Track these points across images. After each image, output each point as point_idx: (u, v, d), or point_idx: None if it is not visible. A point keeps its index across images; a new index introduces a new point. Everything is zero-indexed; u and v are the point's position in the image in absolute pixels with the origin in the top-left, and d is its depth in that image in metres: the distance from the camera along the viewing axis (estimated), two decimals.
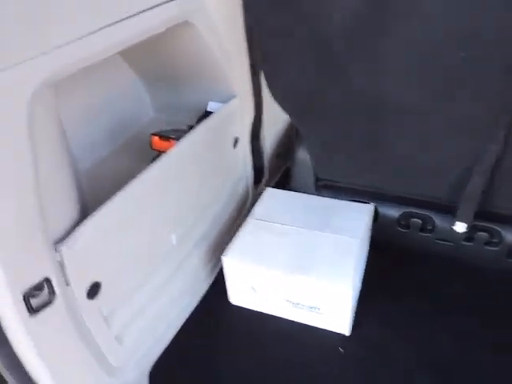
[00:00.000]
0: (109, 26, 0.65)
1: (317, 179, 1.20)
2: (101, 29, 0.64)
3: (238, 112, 1.14)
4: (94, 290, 0.76)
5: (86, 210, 0.77)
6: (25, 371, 0.66)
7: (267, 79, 0.98)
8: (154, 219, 0.89)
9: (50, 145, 0.65)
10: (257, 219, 1.11)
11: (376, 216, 1.16)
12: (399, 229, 1.17)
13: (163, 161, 0.88)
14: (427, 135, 0.93)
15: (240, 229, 1.08)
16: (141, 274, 0.88)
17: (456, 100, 0.84)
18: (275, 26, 0.82)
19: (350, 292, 0.93)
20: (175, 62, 1.04)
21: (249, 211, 1.29)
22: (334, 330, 1.00)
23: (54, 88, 0.63)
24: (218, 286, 1.12)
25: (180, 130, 1.05)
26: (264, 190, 1.22)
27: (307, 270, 0.96)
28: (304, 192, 1.20)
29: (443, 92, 0.84)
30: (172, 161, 0.90)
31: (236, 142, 1.16)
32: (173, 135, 0.98)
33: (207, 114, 1.14)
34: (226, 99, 1.14)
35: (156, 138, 0.99)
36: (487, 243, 1.09)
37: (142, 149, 1.09)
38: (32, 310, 0.64)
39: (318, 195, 1.20)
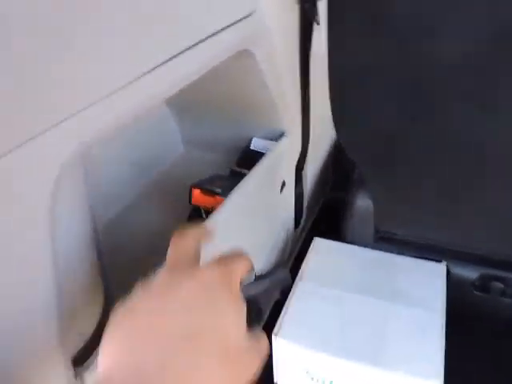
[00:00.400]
0: (157, 67, 0.46)
1: (376, 230, 1.01)
2: (147, 73, 0.45)
3: (288, 152, 0.95)
4: None
5: (109, 299, 0.58)
6: None
7: (338, 119, 0.80)
8: None
9: (73, 231, 0.46)
10: (309, 281, 0.92)
11: (447, 277, 0.98)
12: (475, 292, 0.99)
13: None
14: None
15: (290, 295, 0.90)
16: None
17: None
18: (364, 63, 0.64)
19: None
20: (218, 92, 0.86)
21: (288, 260, 1.12)
22: None
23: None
24: None
25: (222, 177, 0.86)
26: (313, 240, 1.03)
27: (382, 358, 0.78)
28: (358, 244, 1.02)
29: None
30: (220, 224, 0.72)
31: (283, 186, 0.98)
32: (217, 188, 0.78)
33: (249, 152, 0.96)
34: (270, 136, 0.96)
35: (197, 192, 0.79)
36: None
37: (171, 194, 0.90)
38: None
39: (376, 249, 1.02)
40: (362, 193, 0.96)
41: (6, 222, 0.35)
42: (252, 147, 0.95)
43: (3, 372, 0.39)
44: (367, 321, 0.84)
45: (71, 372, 0.48)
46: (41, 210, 0.37)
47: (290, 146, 0.96)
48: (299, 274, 0.95)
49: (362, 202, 0.96)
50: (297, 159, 1.04)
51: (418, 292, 0.89)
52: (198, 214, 0.80)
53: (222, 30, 0.56)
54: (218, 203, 0.77)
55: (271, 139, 0.96)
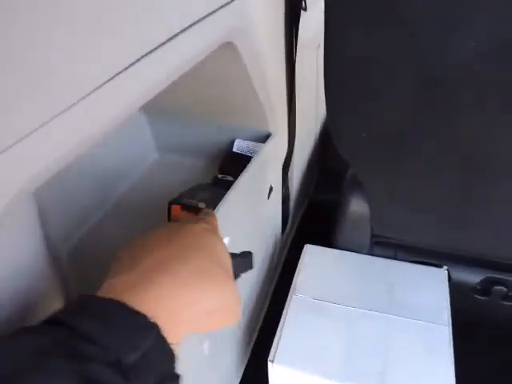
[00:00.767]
0: (132, 65, 0.36)
1: (372, 235, 0.94)
2: (120, 73, 0.35)
3: (274, 153, 0.86)
4: None
5: None
6: None
7: (334, 118, 0.71)
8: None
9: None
10: (303, 297, 0.84)
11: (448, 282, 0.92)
12: (476, 296, 0.93)
13: None
14: None
15: (284, 313, 0.82)
16: None
17: None
18: (366, 52, 0.55)
19: None
20: (196, 91, 0.76)
21: (276, 267, 1.04)
22: None
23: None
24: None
25: (204, 188, 0.76)
26: (305, 247, 0.95)
27: (390, 380, 0.71)
28: (352, 249, 0.95)
29: None
30: None
31: (271, 191, 0.89)
32: (199, 202, 0.68)
33: (233, 155, 0.86)
34: (252, 137, 0.87)
35: (177, 209, 0.68)
36: None
37: (146, 208, 0.80)
38: None
39: (371, 254, 0.95)
40: (356, 195, 0.88)
41: None
42: (235, 149, 0.86)
43: None
44: (368, 338, 0.77)
45: None
46: None
47: (276, 147, 0.87)
48: (292, 287, 0.87)
49: (357, 205, 0.88)
50: (283, 161, 0.95)
51: (420, 302, 0.83)
52: None
53: (203, 18, 0.46)
54: None
55: (254, 141, 0.87)
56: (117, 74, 0.35)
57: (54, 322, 0.27)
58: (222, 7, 0.51)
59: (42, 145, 0.30)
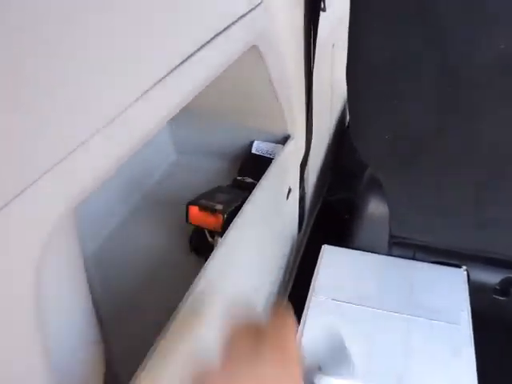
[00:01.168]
0: (168, 75, 0.37)
1: (391, 236, 0.94)
2: (157, 83, 0.35)
3: (294, 155, 0.86)
4: None
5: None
6: None
7: (355, 118, 0.71)
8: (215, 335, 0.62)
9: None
10: (323, 298, 0.85)
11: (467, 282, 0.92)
12: (495, 296, 0.93)
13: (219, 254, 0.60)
14: None
15: (305, 314, 0.82)
16: None
17: None
18: (393, 52, 0.55)
19: None
20: (217, 94, 0.76)
21: (293, 266, 1.04)
22: None
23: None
24: None
25: (223, 190, 0.76)
26: (323, 248, 0.95)
27: (411, 381, 0.71)
28: (370, 249, 0.95)
29: None
30: (232, 242, 0.63)
31: (289, 192, 0.89)
32: (217, 204, 0.69)
33: (252, 156, 0.87)
34: (271, 139, 0.87)
35: (195, 210, 0.69)
36: None
37: (166, 210, 0.81)
38: None
39: (389, 254, 0.95)
40: (375, 196, 0.88)
41: None
42: (254, 151, 0.86)
43: None
44: (389, 339, 0.77)
45: None
46: (26, 284, 0.27)
47: (295, 148, 0.87)
48: (311, 288, 0.87)
49: (376, 206, 0.88)
50: (300, 162, 0.95)
51: (439, 302, 0.82)
52: (201, 235, 0.70)
53: (232, 24, 0.47)
54: (220, 222, 0.68)
55: (273, 142, 0.87)
56: (154, 84, 0.35)
57: None
58: (248, 13, 0.51)
59: (91, 157, 0.30)
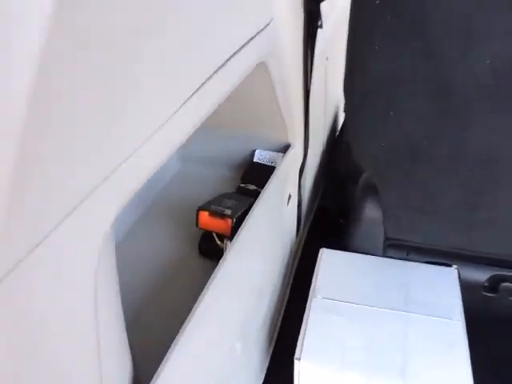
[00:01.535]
0: (193, 94, 0.41)
1: (385, 238, 0.99)
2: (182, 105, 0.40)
3: (293, 164, 0.91)
4: None
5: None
6: None
7: (353, 127, 0.76)
8: (226, 332, 0.65)
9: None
10: (323, 298, 0.89)
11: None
12: (484, 293, 0.99)
13: (230, 261, 0.64)
14: None
15: (306, 314, 0.86)
16: None
17: None
18: (388, 67, 0.61)
19: None
20: (222, 105, 0.80)
21: (291, 270, 1.08)
22: None
23: None
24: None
25: (230, 196, 0.80)
26: (321, 251, 1.00)
27: (412, 373, 0.75)
28: (366, 252, 1.00)
29: None
30: (240, 247, 0.67)
31: (289, 198, 0.94)
32: (226, 209, 0.73)
33: (254, 165, 0.91)
34: (272, 148, 0.91)
35: (205, 215, 0.73)
36: None
37: (173, 217, 0.84)
38: None
39: (384, 256, 1.00)
40: (370, 200, 0.93)
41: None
42: (256, 159, 0.91)
43: None
44: (388, 335, 0.81)
45: None
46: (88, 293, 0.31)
47: (295, 156, 0.92)
48: (311, 290, 0.91)
49: (371, 210, 0.93)
50: (299, 169, 1.00)
51: (433, 299, 0.87)
52: (210, 239, 0.74)
53: (246, 43, 0.51)
54: (229, 226, 0.72)
55: (273, 151, 0.92)
56: (184, 102, 0.40)
57: None
58: (258, 33, 0.55)
59: (135, 167, 0.34)
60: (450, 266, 0.96)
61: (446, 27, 0.55)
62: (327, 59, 1.12)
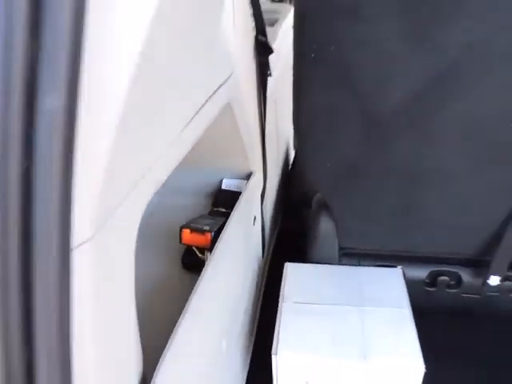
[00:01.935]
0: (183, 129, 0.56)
1: (339, 248, 1.15)
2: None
3: (256, 189, 1.06)
4: None
5: None
6: None
7: (303, 152, 0.93)
8: (212, 333, 0.77)
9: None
10: (292, 302, 1.02)
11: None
12: (426, 288, 1.16)
13: (214, 262, 0.76)
14: (465, 198, 0.94)
15: (278, 316, 0.98)
16: None
17: (497, 163, 0.86)
18: (326, 102, 0.79)
19: (422, 371, 0.87)
20: (197, 143, 0.95)
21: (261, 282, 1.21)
22: None
23: None
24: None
25: (206, 217, 0.94)
26: (285, 265, 1.14)
27: (373, 353, 0.89)
28: (324, 262, 1.15)
29: (486, 156, 0.85)
30: (222, 255, 0.80)
31: (255, 219, 1.08)
32: (204, 226, 0.86)
33: (222, 192, 1.05)
34: (238, 176, 1.06)
35: (187, 232, 0.86)
36: None
37: (154, 238, 0.96)
38: None
39: (340, 264, 1.15)
40: (324, 216, 1.09)
41: None
42: (224, 187, 1.05)
43: None
44: (349, 325, 0.95)
45: None
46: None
47: (256, 183, 1.07)
48: (281, 297, 1.04)
49: (325, 224, 1.09)
50: (260, 194, 1.15)
51: (384, 295, 1.03)
52: (192, 254, 0.87)
53: (217, 89, 0.67)
54: (208, 240, 0.85)
55: (239, 178, 1.07)
56: (181, 130, 0.54)
57: None
58: (225, 81, 0.72)
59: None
60: (395, 267, 1.13)
61: (365, 73, 0.73)
62: (275, 101, 1.31)
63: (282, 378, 0.93)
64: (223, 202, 1.01)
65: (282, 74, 1.25)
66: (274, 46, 1.02)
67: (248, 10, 0.86)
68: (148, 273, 0.87)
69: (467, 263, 1.11)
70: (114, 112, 0.35)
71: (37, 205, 0.28)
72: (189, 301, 0.70)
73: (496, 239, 1.00)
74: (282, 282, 1.09)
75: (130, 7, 0.35)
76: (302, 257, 1.20)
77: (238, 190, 1.04)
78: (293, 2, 1.05)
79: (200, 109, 0.61)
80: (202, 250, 0.86)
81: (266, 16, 0.96)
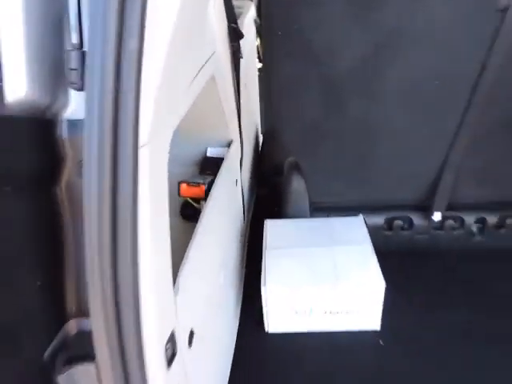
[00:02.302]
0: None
1: (310, 203, 1.34)
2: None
3: (236, 155, 1.23)
4: (190, 339, 0.77)
5: None
6: None
7: (276, 119, 1.11)
8: (213, 263, 0.93)
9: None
10: (274, 249, 1.20)
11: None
12: (384, 232, 1.36)
13: (210, 207, 0.93)
14: (407, 150, 1.15)
15: (263, 260, 1.16)
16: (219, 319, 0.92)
17: (431, 118, 1.07)
18: (291, 72, 0.97)
19: (383, 287, 1.07)
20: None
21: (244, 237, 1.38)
22: (367, 329, 1.13)
23: None
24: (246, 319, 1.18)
25: (198, 177, 1.10)
26: (265, 221, 1.32)
27: (344, 278, 1.08)
28: (298, 217, 1.34)
29: (421, 112, 1.06)
30: (215, 203, 0.96)
31: (236, 181, 1.25)
32: (199, 180, 1.03)
33: (208, 159, 1.22)
34: (220, 145, 1.23)
35: (184, 185, 1.03)
36: (454, 228, 1.34)
37: None
38: (168, 362, 0.65)
39: (312, 218, 1.34)
40: (296, 175, 1.28)
41: None
42: (208, 154, 1.21)
43: None
44: (323, 260, 1.15)
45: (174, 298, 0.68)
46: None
47: (236, 149, 1.24)
48: (264, 246, 1.22)
49: (297, 183, 1.28)
50: (239, 160, 1.32)
51: (350, 236, 1.23)
52: (188, 205, 1.03)
53: (206, 62, 0.84)
54: (203, 191, 1.02)
55: (221, 146, 1.23)
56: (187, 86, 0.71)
57: None
58: (211, 56, 0.88)
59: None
60: (357, 215, 1.33)
61: (321, 46, 0.93)
62: (245, 86, 1.48)
63: (271, 307, 1.11)
64: (209, 167, 1.18)
65: (248, 63, 1.42)
66: None
67: (222, 2, 1.04)
68: None
69: (416, 208, 1.32)
70: (160, 58, 0.52)
71: (121, 113, 0.45)
72: (192, 238, 0.87)
73: (436, 183, 1.21)
74: (264, 234, 1.27)
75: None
76: (279, 213, 1.38)
77: (221, 156, 1.21)
78: None
79: (197, 74, 0.78)
80: (197, 201, 1.02)
81: None
